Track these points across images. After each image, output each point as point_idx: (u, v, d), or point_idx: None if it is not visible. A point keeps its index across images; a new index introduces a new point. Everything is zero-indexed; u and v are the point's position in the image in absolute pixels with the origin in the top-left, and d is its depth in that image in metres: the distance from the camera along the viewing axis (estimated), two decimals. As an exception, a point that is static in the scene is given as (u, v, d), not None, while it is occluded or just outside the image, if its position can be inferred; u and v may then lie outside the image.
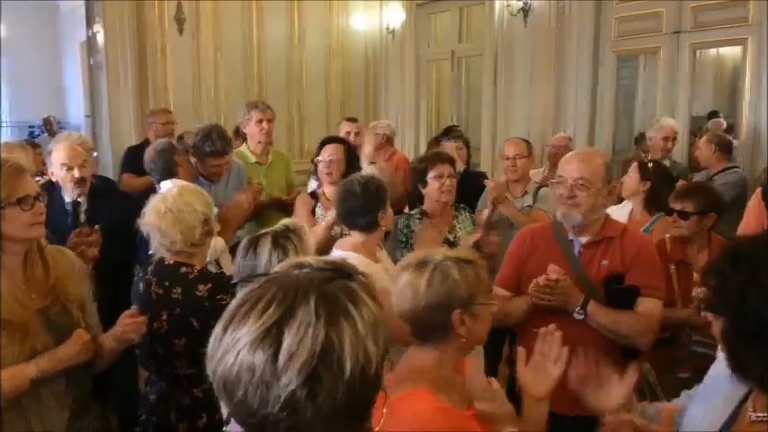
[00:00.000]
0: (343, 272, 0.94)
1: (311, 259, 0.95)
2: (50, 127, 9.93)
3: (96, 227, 2.88)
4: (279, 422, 0.86)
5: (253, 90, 8.04)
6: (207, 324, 1.21)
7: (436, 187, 3.32)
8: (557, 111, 6.75)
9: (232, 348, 0.87)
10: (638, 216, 3.59)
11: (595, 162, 2.46)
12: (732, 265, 1.27)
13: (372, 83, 9.07)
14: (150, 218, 2.35)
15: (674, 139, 4.95)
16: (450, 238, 3.32)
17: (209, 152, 3.75)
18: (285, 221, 2.25)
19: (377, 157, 4.83)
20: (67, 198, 3.21)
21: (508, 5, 6.93)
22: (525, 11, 6.81)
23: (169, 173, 3.54)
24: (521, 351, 1.69)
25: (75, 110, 11.14)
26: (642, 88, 6.86)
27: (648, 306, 2.36)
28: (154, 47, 7.43)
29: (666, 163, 4.88)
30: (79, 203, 3.19)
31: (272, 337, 0.85)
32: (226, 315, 0.91)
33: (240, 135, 4.94)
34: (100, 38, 7.29)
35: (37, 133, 11.22)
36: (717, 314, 1.30)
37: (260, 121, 4.29)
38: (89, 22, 7.49)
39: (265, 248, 2.12)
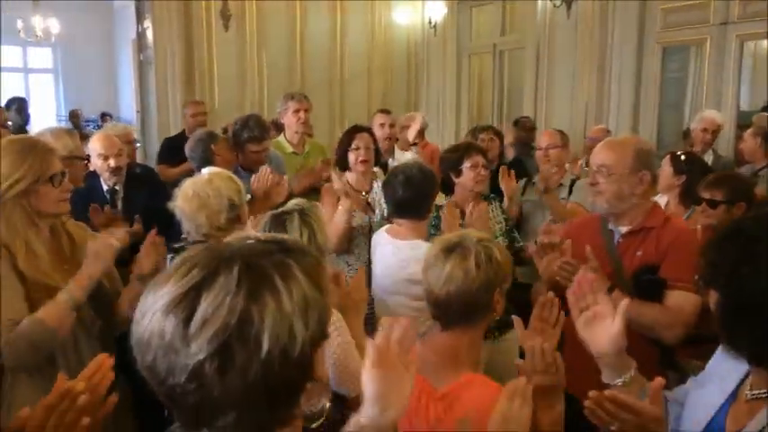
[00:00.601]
0: (284, 246, 0.89)
1: (261, 234, 0.96)
2: (77, 120, 10.20)
3: (137, 216, 3.01)
4: (186, 395, 0.81)
5: (295, 84, 8.15)
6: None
7: (471, 177, 3.36)
8: (599, 104, 6.66)
9: (149, 310, 0.83)
10: (674, 209, 3.52)
11: (620, 149, 2.41)
12: (731, 240, 1.28)
13: (414, 77, 9.10)
14: (179, 201, 2.45)
15: (716, 131, 4.83)
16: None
17: (247, 138, 3.87)
18: (297, 201, 2.29)
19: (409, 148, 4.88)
20: (105, 186, 3.36)
21: (551, -3, 6.87)
22: (568, 2, 6.74)
23: (207, 161, 3.65)
24: (517, 319, 1.71)
25: (128, 104, 11.50)
26: (692, 81, 6.71)
27: (678, 299, 2.23)
28: (200, 43, 7.62)
29: (710, 156, 4.78)
30: (116, 191, 3.35)
31: (187, 301, 0.81)
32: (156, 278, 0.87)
33: (278, 127, 5.03)
34: (149, 34, 7.53)
35: (92, 127, 11.63)
36: (711, 287, 1.31)
37: (297, 111, 4.38)
38: (139, 20, 7.74)
39: (294, 225, 2.15)
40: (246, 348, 0.80)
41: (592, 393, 1.34)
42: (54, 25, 10.56)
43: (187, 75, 7.57)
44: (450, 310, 1.65)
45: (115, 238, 2.17)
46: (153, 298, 0.84)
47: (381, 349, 1.12)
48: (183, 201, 2.42)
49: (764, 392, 1.28)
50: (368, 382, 1.11)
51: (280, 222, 2.15)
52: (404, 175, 2.87)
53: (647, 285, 2.33)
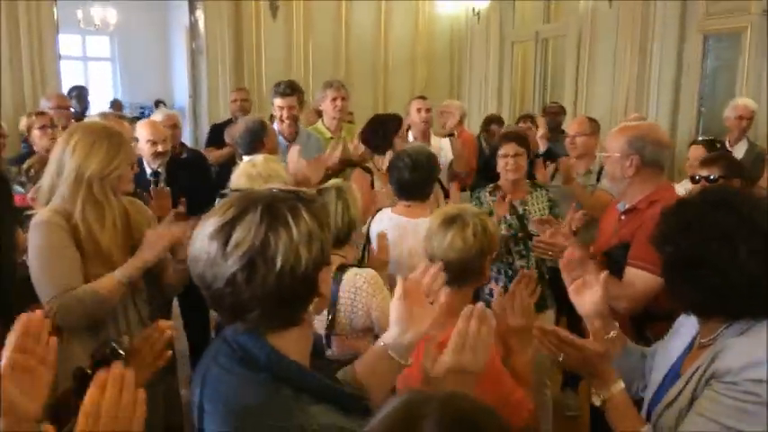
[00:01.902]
0: (297, 195, 1.19)
1: (282, 185, 1.21)
2: (118, 110, 10.54)
3: (182, 199, 3.28)
4: (224, 296, 1.13)
5: (340, 71, 8.37)
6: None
7: (502, 165, 3.52)
8: (639, 91, 6.68)
9: (200, 235, 1.15)
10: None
11: (617, 134, 2.62)
12: (675, 212, 1.46)
13: (457, 65, 9.22)
14: (241, 180, 2.68)
15: (751, 118, 4.84)
16: (520, 210, 3.47)
17: (274, 93, 4.28)
18: (335, 181, 2.54)
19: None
20: (149, 169, 3.67)
21: (593, -15, 6.89)
22: (611, -9, 6.75)
23: (254, 150, 3.81)
24: (496, 288, 1.93)
25: (181, 91, 11.92)
26: (736, 70, 6.66)
27: (629, 276, 2.40)
28: (250, 32, 7.91)
29: (744, 144, 4.80)
30: (159, 173, 3.64)
31: (225, 230, 1.12)
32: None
33: (319, 114, 5.25)
34: (201, 24, 7.85)
35: (147, 114, 12.10)
36: (660, 248, 1.48)
37: (334, 99, 4.59)
38: (191, 9, 8.06)
39: (331, 198, 2.45)
40: (265, 264, 1.10)
41: (539, 324, 1.55)
42: (112, 15, 11.02)
43: (236, 62, 7.88)
44: (450, 273, 1.85)
45: (172, 231, 2.41)
46: (203, 226, 1.16)
47: (408, 286, 1.42)
48: (247, 180, 2.64)
49: (709, 340, 1.47)
50: (393, 309, 1.41)
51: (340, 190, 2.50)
52: (410, 158, 3.06)
53: (614, 261, 2.52)
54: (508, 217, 3.45)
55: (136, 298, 2.39)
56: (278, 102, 4.31)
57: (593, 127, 4.17)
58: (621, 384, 1.51)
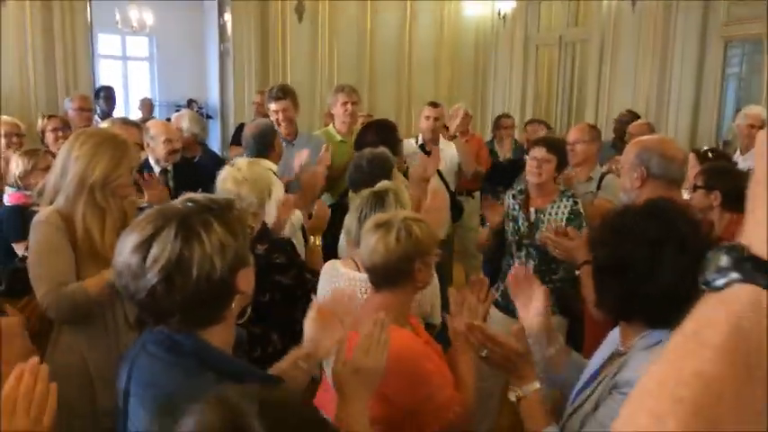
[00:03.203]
0: (209, 208, 1.30)
1: (199, 196, 1.33)
2: (148, 108, 10.72)
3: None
4: (147, 305, 1.26)
5: (364, 74, 8.49)
6: (262, 279, 1.53)
7: (528, 168, 3.50)
8: (660, 97, 6.64)
9: (123, 250, 1.28)
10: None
11: (630, 147, 2.70)
12: (604, 222, 1.53)
13: (481, 67, 9.24)
14: (227, 185, 2.77)
15: (762, 126, 4.78)
16: (533, 217, 3.46)
17: (268, 98, 4.50)
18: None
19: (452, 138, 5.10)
20: (157, 168, 3.83)
21: (616, -10, 6.87)
22: (633, -4, 6.72)
23: (262, 153, 3.91)
24: (452, 291, 2.01)
25: (214, 91, 12.20)
26: (755, 77, 6.55)
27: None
28: (275, 34, 8.09)
29: (751, 153, 4.75)
30: (168, 171, 3.79)
31: (144, 246, 1.24)
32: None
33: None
34: (228, 26, 8.06)
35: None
36: (593, 251, 1.56)
37: (345, 104, 4.70)
38: (220, 12, 8.29)
39: (390, 201, 2.52)
40: (182, 276, 1.23)
41: (467, 322, 1.64)
42: (148, 16, 11.33)
43: (262, 65, 8.07)
44: (378, 276, 1.94)
45: None
46: (125, 241, 1.28)
47: (322, 309, 1.57)
48: (233, 183, 2.77)
49: (626, 348, 1.54)
50: (307, 327, 1.56)
51: (379, 199, 2.53)
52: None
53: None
54: (521, 222, 3.47)
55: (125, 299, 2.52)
56: (272, 106, 4.45)
57: (593, 134, 4.16)
58: (537, 384, 1.58)
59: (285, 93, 4.48)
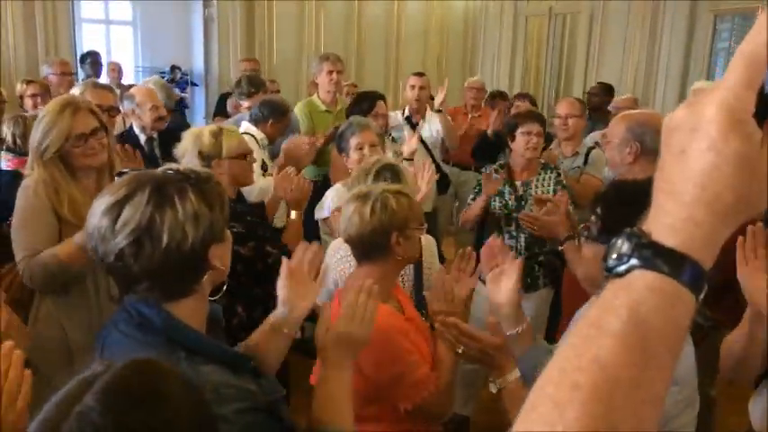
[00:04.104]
0: (187, 177, 1.27)
1: (179, 167, 1.31)
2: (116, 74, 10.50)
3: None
4: (116, 269, 1.24)
5: (352, 44, 8.37)
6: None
7: (522, 143, 3.42)
8: (648, 70, 6.63)
9: (94, 212, 1.24)
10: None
11: (618, 121, 2.65)
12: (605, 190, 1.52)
13: (470, 39, 9.15)
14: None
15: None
16: (520, 190, 3.44)
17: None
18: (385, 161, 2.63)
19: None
20: (142, 136, 3.75)
21: (605, -39, 6.79)
22: (623, -33, 6.65)
23: (262, 122, 3.93)
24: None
25: (199, 58, 11.99)
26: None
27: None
28: (261, 1, 7.93)
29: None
30: (154, 139, 3.72)
31: (115, 209, 1.21)
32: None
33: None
34: (213, -9, 7.90)
35: (166, 79, 12.16)
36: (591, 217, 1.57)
37: (330, 72, 4.62)
38: (205, -23, 8.10)
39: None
40: (152, 241, 1.20)
41: (441, 319, 1.61)
42: (132, -20, 11.07)
43: (248, 31, 7.92)
44: (356, 249, 1.92)
45: None
46: (98, 203, 1.25)
47: (292, 266, 1.52)
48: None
49: None
50: (280, 288, 1.51)
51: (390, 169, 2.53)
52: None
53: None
54: (507, 196, 3.45)
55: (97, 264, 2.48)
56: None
57: (582, 108, 4.15)
58: (517, 373, 1.55)
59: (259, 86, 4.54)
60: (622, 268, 0.56)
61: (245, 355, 1.38)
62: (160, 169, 1.32)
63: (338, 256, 2.41)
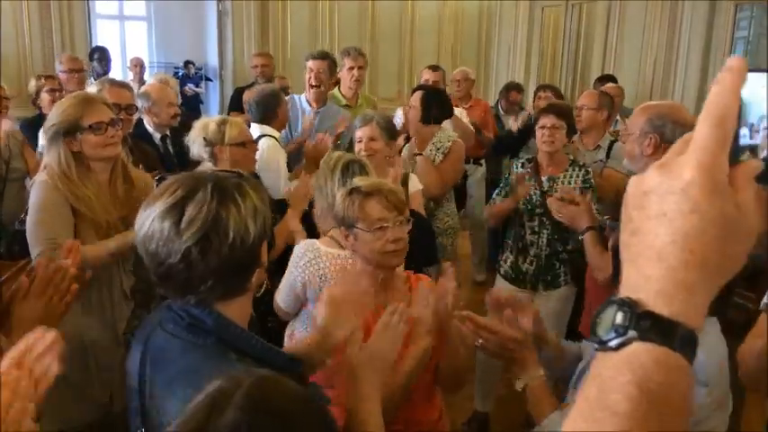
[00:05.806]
0: (239, 174, 1.30)
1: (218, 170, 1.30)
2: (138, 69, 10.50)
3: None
4: (179, 271, 1.20)
5: (365, 35, 8.33)
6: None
7: (539, 137, 3.42)
8: (668, 60, 6.51)
9: (147, 218, 1.22)
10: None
11: (639, 112, 2.59)
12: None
13: (485, 29, 9.06)
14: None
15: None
16: (545, 186, 3.39)
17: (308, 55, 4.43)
18: (349, 156, 2.63)
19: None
20: (157, 134, 3.74)
21: (623, -51, 6.68)
22: (642, -44, 6.54)
23: (265, 119, 3.82)
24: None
25: (213, 53, 12.00)
26: (765, 40, 6.42)
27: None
28: (276, -6, 7.90)
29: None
30: (167, 136, 3.71)
31: (177, 209, 1.19)
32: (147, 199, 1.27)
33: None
34: (228, -15, 7.88)
35: (179, 74, 12.17)
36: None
37: (351, 68, 4.59)
38: (219, -29, 8.09)
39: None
40: (218, 237, 1.19)
41: (457, 313, 1.60)
42: (146, -25, 11.08)
43: (261, 25, 7.90)
44: None
45: None
46: (148, 211, 1.23)
47: (335, 295, 1.55)
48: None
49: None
50: (319, 315, 1.54)
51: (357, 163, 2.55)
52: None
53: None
54: (531, 190, 3.38)
55: (122, 265, 2.49)
56: (309, 64, 4.31)
57: (602, 101, 4.07)
58: (540, 372, 1.53)
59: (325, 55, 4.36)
60: (617, 342, 0.55)
61: (295, 359, 1.38)
62: (202, 169, 1.34)
63: (304, 261, 2.32)
